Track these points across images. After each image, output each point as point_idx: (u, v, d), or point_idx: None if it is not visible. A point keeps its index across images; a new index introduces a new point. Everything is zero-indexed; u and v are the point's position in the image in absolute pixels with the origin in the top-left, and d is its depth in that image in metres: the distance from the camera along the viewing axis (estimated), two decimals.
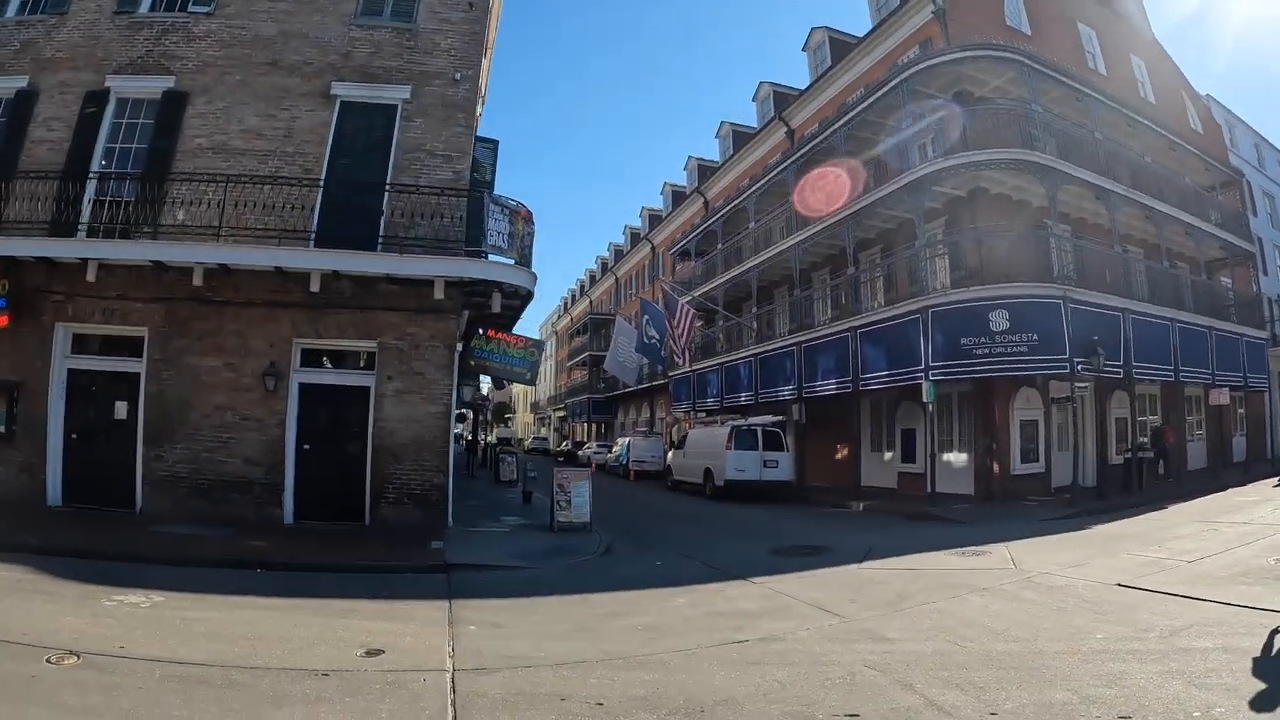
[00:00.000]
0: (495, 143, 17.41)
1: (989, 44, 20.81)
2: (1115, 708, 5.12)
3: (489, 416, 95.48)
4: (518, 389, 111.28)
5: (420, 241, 13.52)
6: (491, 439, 73.21)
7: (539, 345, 17.48)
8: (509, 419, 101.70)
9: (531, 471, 20.76)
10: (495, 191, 15.68)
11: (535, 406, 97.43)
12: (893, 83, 21.36)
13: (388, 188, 14.19)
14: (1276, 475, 22.95)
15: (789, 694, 5.50)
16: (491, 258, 14.11)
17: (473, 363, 16.63)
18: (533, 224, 14.33)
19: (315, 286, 13.36)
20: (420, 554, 11.65)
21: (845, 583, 10.19)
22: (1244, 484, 22.41)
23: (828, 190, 21.74)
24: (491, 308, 14.34)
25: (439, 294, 13.53)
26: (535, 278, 14.47)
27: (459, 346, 14.40)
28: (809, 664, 6.28)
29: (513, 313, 15.92)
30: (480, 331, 16.71)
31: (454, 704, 5.25)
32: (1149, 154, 25.57)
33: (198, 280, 13.27)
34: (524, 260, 14.18)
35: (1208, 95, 37.72)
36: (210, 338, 13.68)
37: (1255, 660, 6.00)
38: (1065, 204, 21.55)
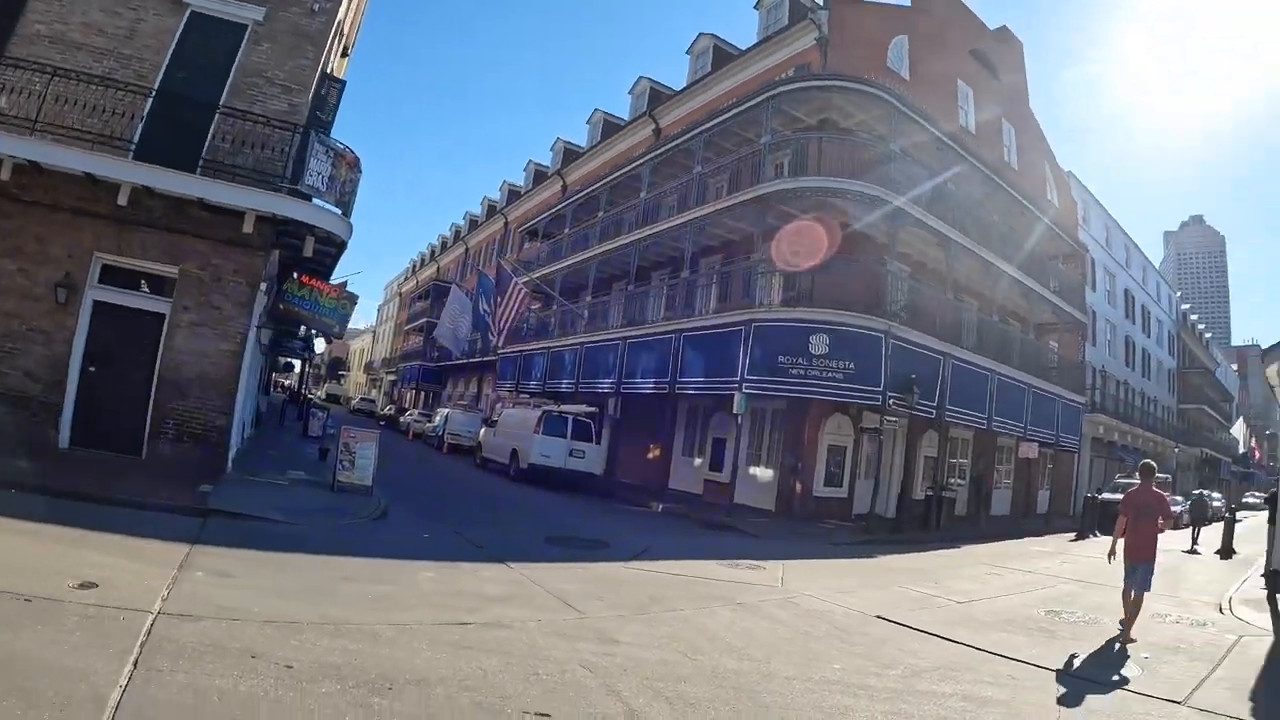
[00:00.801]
0: (342, 84, 17.34)
1: (859, 78, 21.98)
2: None
3: (323, 371, 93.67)
4: (355, 346, 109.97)
5: (241, 170, 13.43)
6: (321, 394, 72.00)
7: (352, 298, 17.48)
8: (343, 376, 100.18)
9: (331, 428, 20.65)
10: (334, 135, 15.58)
11: (369, 367, 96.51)
12: (761, 97, 22.41)
13: (219, 109, 14.00)
14: (1074, 531, 24.97)
15: (488, 683, 5.48)
16: (316, 201, 14.12)
17: (282, 307, 16.48)
18: (358, 171, 14.41)
19: (124, 200, 13.03)
20: (185, 495, 11.53)
21: (603, 579, 10.38)
22: (1042, 534, 24.66)
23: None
24: (304, 251, 14.36)
25: (248, 227, 13.44)
26: (350, 227, 14.58)
27: (264, 286, 14.31)
28: (524, 656, 6.26)
29: (329, 260, 15.89)
30: (294, 276, 16.55)
31: (143, 645, 5.23)
32: (1000, 214, 27.64)
33: (5, 174, 12.74)
34: (344, 207, 14.30)
35: (1069, 172, 40.90)
36: (11, 239, 13.09)
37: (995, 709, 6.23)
38: (908, 245, 23.07)
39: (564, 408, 25.82)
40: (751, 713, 5.53)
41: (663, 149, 27.31)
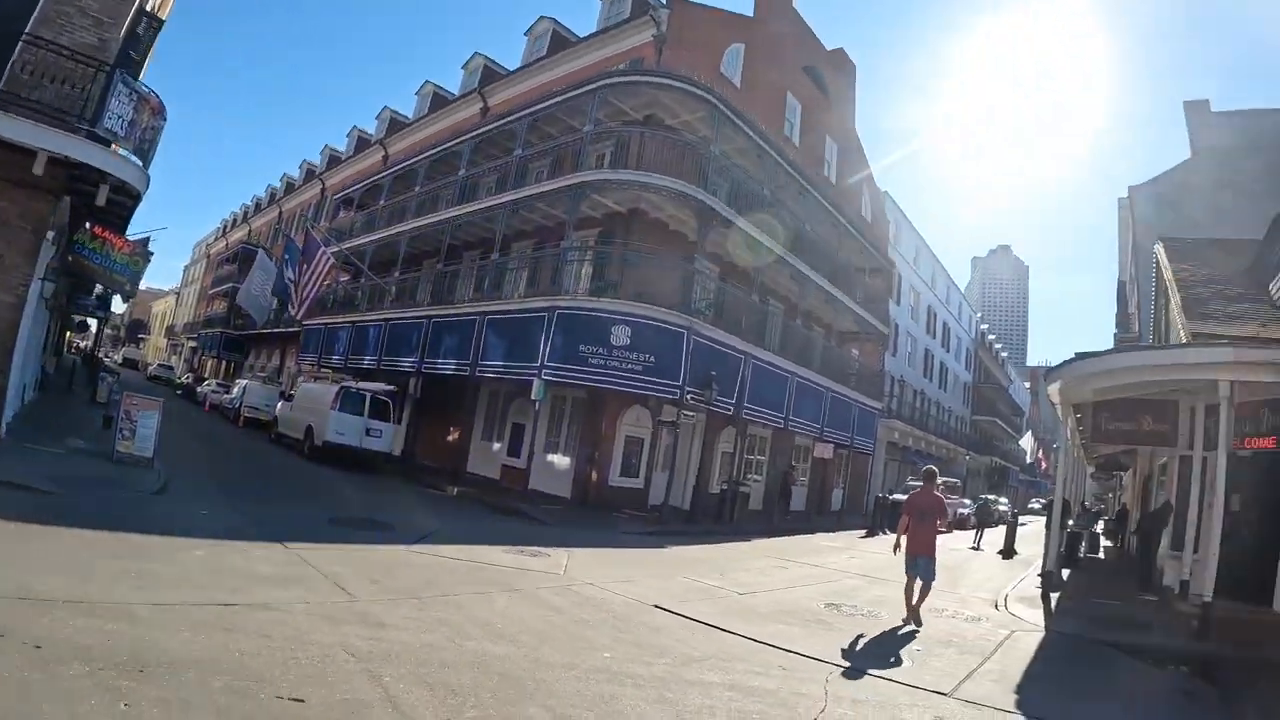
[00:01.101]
0: (161, 23, 16.76)
1: (688, 79, 22.98)
2: None
3: (122, 333, 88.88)
4: (158, 308, 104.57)
5: (38, 105, 12.80)
6: (118, 358, 68.48)
7: (146, 255, 17.00)
8: (143, 339, 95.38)
9: (117, 395, 20.19)
10: (148, 79, 15.16)
11: (171, 331, 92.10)
12: (589, 87, 23.21)
13: (23, 38, 13.16)
14: (865, 528, 27.06)
15: (244, 666, 5.41)
16: (121, 151, 13.68)
17: (71, 259, 15.93)
18: (162, 118, 14.05)
19: None
20: None
21: (381, 562, 10.36)
22: (834, 531, 26.62)
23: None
24: (97, 200, 13.77)
25: (39, 169, 12.79)
26: (148, 178, 14.15)
27: (51, 235, 13.85)
28: (286, 639, 6.19)
29: (125, 211, 15.43)
30: (86, 226, 15.99)
31: None
32: (814, 225, 29.58)
33: None
34: (143, 155, 13.92)
35: (885, 193, 44.09)
36: None
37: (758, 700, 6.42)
38: (719, 245, 24.51)
39: (362, 385, 25.85)
40: (514, 699, 5.60)
41: (487, 128, 27.75)
